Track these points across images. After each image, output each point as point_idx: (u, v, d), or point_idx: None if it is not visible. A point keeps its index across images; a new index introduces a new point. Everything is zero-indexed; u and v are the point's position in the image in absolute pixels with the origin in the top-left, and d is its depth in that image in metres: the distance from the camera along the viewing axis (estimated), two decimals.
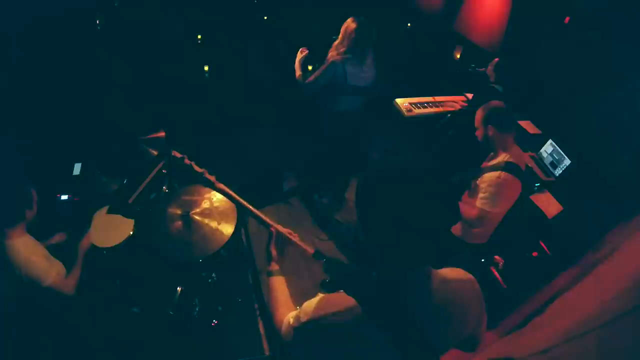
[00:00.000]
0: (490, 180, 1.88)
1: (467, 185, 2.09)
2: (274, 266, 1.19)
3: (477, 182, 1.96)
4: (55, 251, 1.86)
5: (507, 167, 1.87)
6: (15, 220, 1.67)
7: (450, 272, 0.92)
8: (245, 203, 1.26)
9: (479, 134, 2.00)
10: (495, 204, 1.87)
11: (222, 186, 1.28)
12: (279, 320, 1.03)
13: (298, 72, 2.67)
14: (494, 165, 1.93)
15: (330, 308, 0.87)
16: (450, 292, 0.87)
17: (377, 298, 0.83)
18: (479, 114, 1.98)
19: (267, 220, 1.24)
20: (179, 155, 1.29)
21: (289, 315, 0.97)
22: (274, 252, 1.21)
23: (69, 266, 1.86)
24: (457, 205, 0.77)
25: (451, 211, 0.74)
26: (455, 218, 0.75)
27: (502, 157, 1.92)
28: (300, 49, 2.73)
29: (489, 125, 1.93)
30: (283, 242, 1.22)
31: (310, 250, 1.17)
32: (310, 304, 0.91)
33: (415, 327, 0.81)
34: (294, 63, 2.69)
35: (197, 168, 1.28)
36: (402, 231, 0.72)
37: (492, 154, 2.02)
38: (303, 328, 0.90)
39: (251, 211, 1.24)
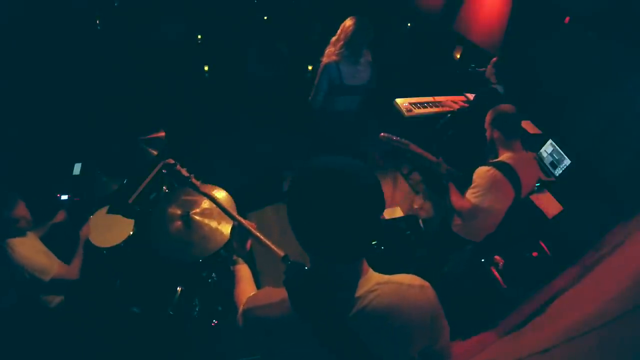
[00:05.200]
0: (478, 173, 1.92)
1: (462, 180, 2.11)
2: (236, 257, 1.22)
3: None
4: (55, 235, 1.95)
5: (499, 165, 1.89)
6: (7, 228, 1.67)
7: (399, 277, 0.87)
8: (225, 207, 1.31)
9: (487, 134, 2.04)
10: (482, 198, 1.89)
11: (206, 190, 1.36)
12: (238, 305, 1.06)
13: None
14: (490, 162, 1.96)
15: (263, 300, 0.88)
16: (392, 295, 0.82)
17: (306, 292, 0.82)
18: (488, 116, 2.01)
19: (236, 216, 1.26)
20: (172, 161, 1.42)
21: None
22: (235, 245, 1.24)
23: (70, 253, 1.91)
24: (379, 203, 0.75)
25: (371, 206, 0.73)
26: (377, 213, 0.74)
27: (501, 158, 1.96)
28: None
29: (495, 129, 1.97)
30: (243, 235, 1.24)
31: (280, 253, 1.14)
32: (252, 294, 0.93)
33: (347, 327, 0.79)
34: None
35: (184, 172, 1.39)
36: (322, 224, 0.72)
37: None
38: (241, 316, 0.92)
39: (233, 216, 1.26)
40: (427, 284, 0.89)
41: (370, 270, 0.85)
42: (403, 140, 2.05)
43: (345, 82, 2.55)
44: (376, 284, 0.82)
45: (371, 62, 2.65)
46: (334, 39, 2.56)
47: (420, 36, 5.02)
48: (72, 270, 1.86)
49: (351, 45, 2.47)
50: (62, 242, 1.98)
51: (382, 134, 2.06)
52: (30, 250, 1.72)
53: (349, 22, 2.45)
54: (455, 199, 1.98)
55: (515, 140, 1.96)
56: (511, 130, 1.95)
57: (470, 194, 1.94)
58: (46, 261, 1.77)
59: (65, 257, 1.89)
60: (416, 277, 0.90)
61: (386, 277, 0.86)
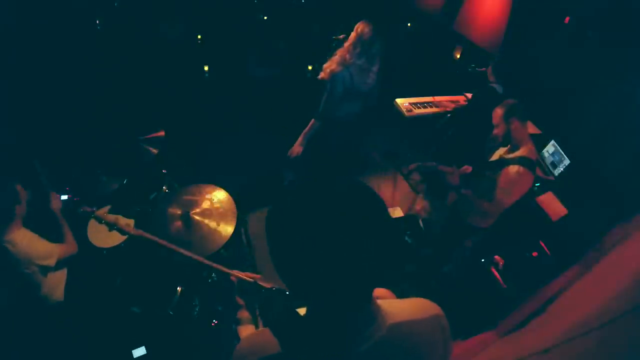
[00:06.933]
0: (508, 174, 2.03)
1: (479, 177, 2.22)
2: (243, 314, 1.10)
3: (498, 175, 2.09)
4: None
5: (523, 161, 2.01)
6: (7, 219, 1.72)
7: (409, 308, 0.75)
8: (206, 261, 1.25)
9: (499, 131, 2.10)
10: (511, 195, 2.06)
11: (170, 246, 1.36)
12: None
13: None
14: (513, 158, 2.06)
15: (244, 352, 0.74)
16: (406, 337, 0.71)
17: (308, 344, 0.68)
18: (499, 112, 2.09)
19: (228, 271, 1.16)
20: (88, 209, 1.46)
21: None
22: (240, 301, 1.12)
23: (54, 233, 1.94)
24: (388, 240, 0.60)
25: (380, 243, 0.59)
26: (387, 256, 0.60)
27: (522, 152, 2.06)
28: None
29: (513, 118, 2.05)
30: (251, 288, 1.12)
31: (268, 285, 1.08)
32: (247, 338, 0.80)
33: None
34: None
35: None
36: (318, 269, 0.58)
37: (507, 147, 2.16)
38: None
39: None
40: (439, 311, 0.79)
41: (380, 309, 0.70)
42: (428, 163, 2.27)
43: (355, 88, 2.54)
44: (389, 328, 0.69)
45: (379, 68, 2.63)
46: (347, 45, 2.48)
47: (420, 36, 5.02)
48: (69, 247, 1.92)
49: (369, 52, 2.44)
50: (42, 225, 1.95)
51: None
52: (31, 240, 1.77)
53: (367, 29, 2.38)
54: (481, 202, 2.13)
55: (526, 125, 2.10)
56: (524, 115, 2.07)
57: (500, 192, 2.07)
58: (48, 246, 1.82)
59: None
60: (425, 302, 0.80)
61: (397, 312, 0.73)
